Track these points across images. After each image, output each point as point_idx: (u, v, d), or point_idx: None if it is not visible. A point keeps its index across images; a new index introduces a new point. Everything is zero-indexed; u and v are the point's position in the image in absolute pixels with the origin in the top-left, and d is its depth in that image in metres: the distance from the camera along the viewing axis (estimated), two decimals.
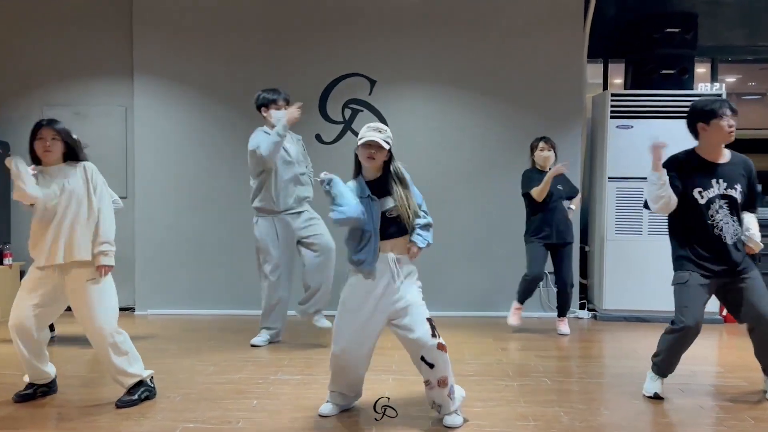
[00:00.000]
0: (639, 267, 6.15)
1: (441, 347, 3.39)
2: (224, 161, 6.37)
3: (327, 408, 3.67)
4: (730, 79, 7.24)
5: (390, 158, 3.44)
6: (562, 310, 5.75)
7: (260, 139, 4.95)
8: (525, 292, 5.69)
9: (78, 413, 3.69)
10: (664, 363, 3.98)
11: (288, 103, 5.07)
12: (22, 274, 6.32)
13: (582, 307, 6.47)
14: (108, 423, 3.54)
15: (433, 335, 3.37)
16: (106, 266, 3.71)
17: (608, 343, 5.53)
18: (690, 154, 3.89)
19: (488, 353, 5.05)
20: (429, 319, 3.42)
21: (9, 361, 4.69)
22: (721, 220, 3.79)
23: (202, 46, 6.46)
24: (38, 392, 3.90)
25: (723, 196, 3.80)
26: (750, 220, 3.90)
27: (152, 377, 3.93)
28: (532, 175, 5.56)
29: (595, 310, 6.41)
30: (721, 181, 3.80)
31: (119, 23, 6.54)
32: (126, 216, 6.24)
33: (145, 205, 6.48)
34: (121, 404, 3.75)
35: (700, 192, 3.81)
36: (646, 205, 4.01)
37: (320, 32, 6.42)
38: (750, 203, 3.91)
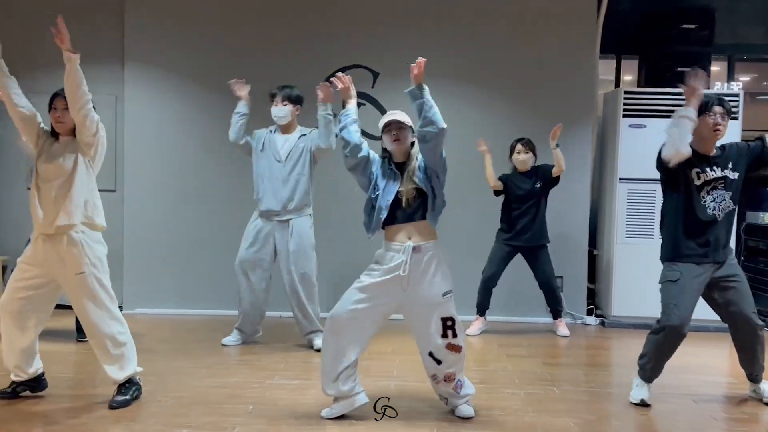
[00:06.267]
0: (650, 272, 5.75)
1: (451, 347, 3.48)
2: (217, 154, 6.15)
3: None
4: (745, 78, 7.13)
5: (413, 144, 3.57)
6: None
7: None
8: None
9: (65, 416, 3.62)
10: (650, 367, 3.98)
11: (288, 99, 4.91)
12: (5, 270, 6.16)
13: (590, 313, 6.28)
14: (96, 427, 3.45)
15: (444, 335, 3.46)
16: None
17: (617, 351, 5.43)
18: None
19: (493, 360, 4.94)
20: (444, 318, 3.45)
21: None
22: (713, 200, 3.88)
23: (197, 35, 6.28)
24: (18, 389, 3.82)
25: (718, 179, 3.90)
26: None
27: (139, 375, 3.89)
28: (504, 177, 5.71)
29: (603, 317, 6.24)
30: (715, 167, 3.90)
31: (110, 9, 6.36)
32: (114, 210, 6.09)
33: (135, 199, 6.30)
34: (115, 405, 3.70)
35: (698, 173, 3.87)
36: (659, 158, 3.92)
37: (321, 22, 6.24)
38: None
